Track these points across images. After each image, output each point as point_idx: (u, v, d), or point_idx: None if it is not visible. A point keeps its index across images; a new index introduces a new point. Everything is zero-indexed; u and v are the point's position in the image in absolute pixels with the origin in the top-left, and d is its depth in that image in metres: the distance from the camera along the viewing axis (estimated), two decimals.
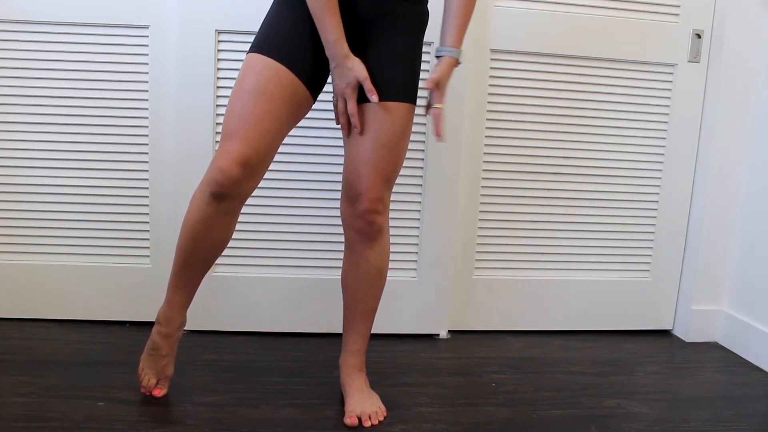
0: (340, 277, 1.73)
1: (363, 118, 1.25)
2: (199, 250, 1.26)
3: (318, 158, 1.73)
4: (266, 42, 1.22)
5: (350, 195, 1.28)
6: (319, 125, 1.70)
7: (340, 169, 1.72)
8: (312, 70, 1.25)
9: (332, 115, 1.68)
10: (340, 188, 1.71)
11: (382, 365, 1.60)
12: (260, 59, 1.21)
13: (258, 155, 1.19)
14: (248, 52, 1.24)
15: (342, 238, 1.75)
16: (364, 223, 1.28)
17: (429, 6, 1.34)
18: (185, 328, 1.77)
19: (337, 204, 1.75)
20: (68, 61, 1.67)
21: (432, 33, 1.46)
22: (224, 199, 1.20)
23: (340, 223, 1.73)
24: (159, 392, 1.36)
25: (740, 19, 1.82)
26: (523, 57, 1.80)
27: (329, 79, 1.29)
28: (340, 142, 1.71)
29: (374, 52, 1.26)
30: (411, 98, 1.28)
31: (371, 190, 1.26)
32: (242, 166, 1.17)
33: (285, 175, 1.73)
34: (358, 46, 1.26)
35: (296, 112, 1.26)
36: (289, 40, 1.22)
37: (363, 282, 1.35)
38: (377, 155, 1.25)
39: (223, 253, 1.74)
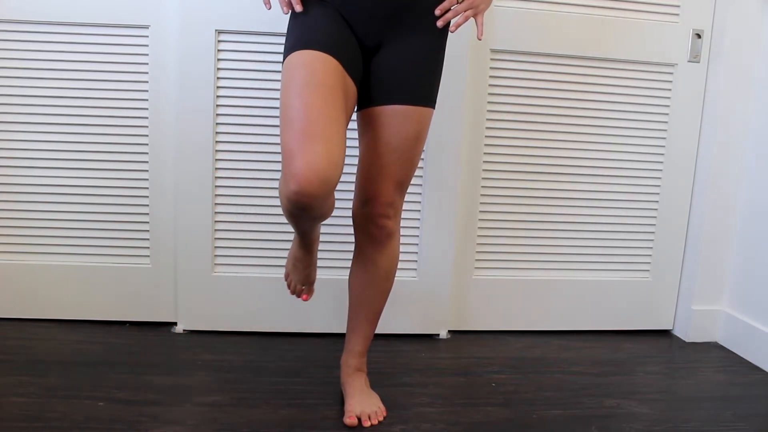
0: (342, 277, 1.73)
1: (377, 121, 1.23)
2: (302, 227, 1.24)
3: None
4: (303, 39, 1.14)
5: (362, 198, 1.27)
6: None
7: (346, 170, 1.72)
8: (352, 63, 1.18)
9: None
10: (345, 189, 1.73)
11: (382, 365, 1.60)
12: (303, 54, 1.11)
13: (334, 164, 1.04)
14: (284, 57, 1.16)
15: (343, 239, 1.76)
16: (375, 226, 1.28)
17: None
18: (186, 328, 1.77)
19: (339, 205, 1.74)
20: (68, 61, 1.66)
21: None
22: (308, 209, 1.08)
23: (341, 223, 1.75)
24: (306, 297, 1.44)
25: (740, 19, 1.81)
26: (523, 57, 1.79)
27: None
28: (349, 143, 1.71)
29: (392, 51, 1.22)
30: (428, 102, 1.25)
31: (383, 194, 1.25)
32: (318, 175, 1.02)
33: None
34: (376, 45, 1.23)
35: (349, 105, 1.17)
36: (326, 33, 1.15)
37: (370, 285, 1.34)
38: (390, 159, 1.23)
39: (223, 254, 1.75)
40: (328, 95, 1.08)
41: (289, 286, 1.45)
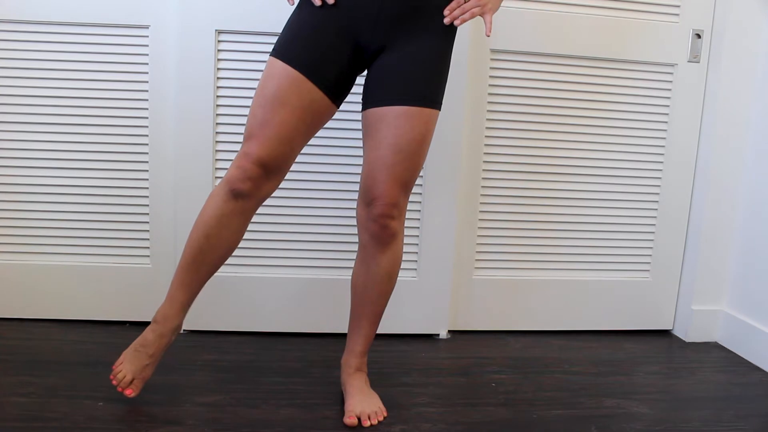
0: (342, 277, 1.73)
1: (383, 121, 1.23)
2: (209, 248, 1.26)
3: (321, 158, 1.73)
4: (287, 47, 1.22)
5: (366, 198, 1.27)
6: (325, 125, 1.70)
7: (345, 170, 1.73)
8: (334, 76, 1.23)
9: (343, 116, 1.69)
10: (346, 189, 1.74)
11: (382, 365, 1.60)
12: (280, 67, 1.21)
13: (276, 161, 1.22)
14: (271, 53, 1.24)
15: (344, 239, 1.76)
16: (378, 227, 1.27)
17: None
18: (186, 328, 1.77)
19: (340, 204, 1.75)
20: (68, 61, 1.67)
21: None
22: (241, 198, 1.22)
23: (342, 223, 1.75)
24: (130, 392, 1.28)
25: (740, 19, 1.81)
26: (523, 57, 1.80)
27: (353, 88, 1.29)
28: (344, 143, 1.72)
29: (399, 52, 1.22)
30: (435, 104, 1.25)
31: (387, 194, 1.24)
32: (261, 167, 1.21)
33: (286, 175, 1.73)
34: (379, 47, 1.23)
35: (316, 121, 1.26)
36: (310, 46, 1.21)
37: (372, 285, 1.34)
38: (395, 160, 1.23)
39: None
40: (288, 115, 1.21)
41: (114, 376, 1.29)
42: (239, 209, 1.24)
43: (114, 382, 1.29)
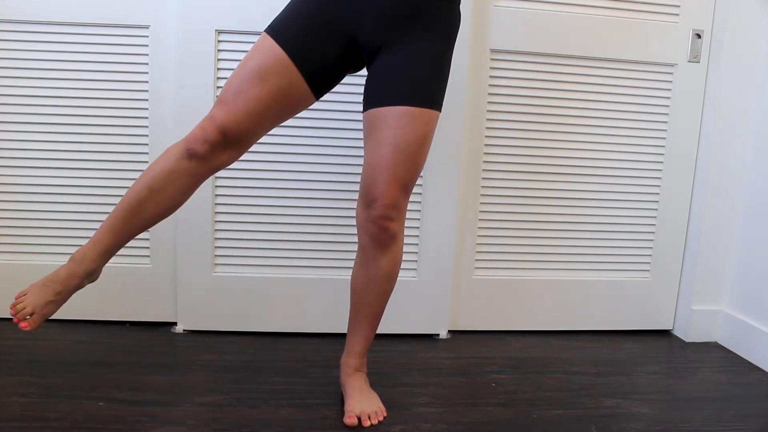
0: (342, 277, 1.73)
1: (384, 122, 1.22)
2: (149, 200, 1.23)
3: (321, 158, 1.73)
4: (282, 26, 1.22)
5: (366, 199, 1.27)
6: (322, 125, 1.71)
7: (346, 170, 1.73)
8: (321, 68, 1.23)
9: (344, 116, 1.69)
10: (346, 189, 1.74)
11: (382, 365, 1.60)
12: (269, 44, 1.21)
13: (238, 133, 1.21)
14: (265, 29, 1.24)
15: (344, 239, 1.76)
16: (377, 228, 1.27)
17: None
18: (186, 328, 1.77)
19: (340, 205, 1.75)
20: (68, 61, 1.67)
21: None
22: (195, 159, 1.21)
23: (342, 223, 1.75)
24: (25, 325, 1.21)
25: (740, 19, 1.81)
26: (523, 57, 1.80)
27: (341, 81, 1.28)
28: (344, 143, 1.72)
29: (401, 52, 1.22)
30: (436, 105, 1.25)
31: (387, 195, 1.24)
32: (222, 135, 1.20)
33: (287, 175, 1.73)
34: (377, 47, 1.23)
35: (290, 106, 1.25)
36: (303, 32, 1.21)
37: (372, 287, 1.34)
38: (396, 160, 1.22)
39: (223, 254, 1.75)
40: (263, 92, 1.20)
41: (14, 305, 1.22)
42: (190, 170, 1.22)
43: (12, 312, 1.22)
